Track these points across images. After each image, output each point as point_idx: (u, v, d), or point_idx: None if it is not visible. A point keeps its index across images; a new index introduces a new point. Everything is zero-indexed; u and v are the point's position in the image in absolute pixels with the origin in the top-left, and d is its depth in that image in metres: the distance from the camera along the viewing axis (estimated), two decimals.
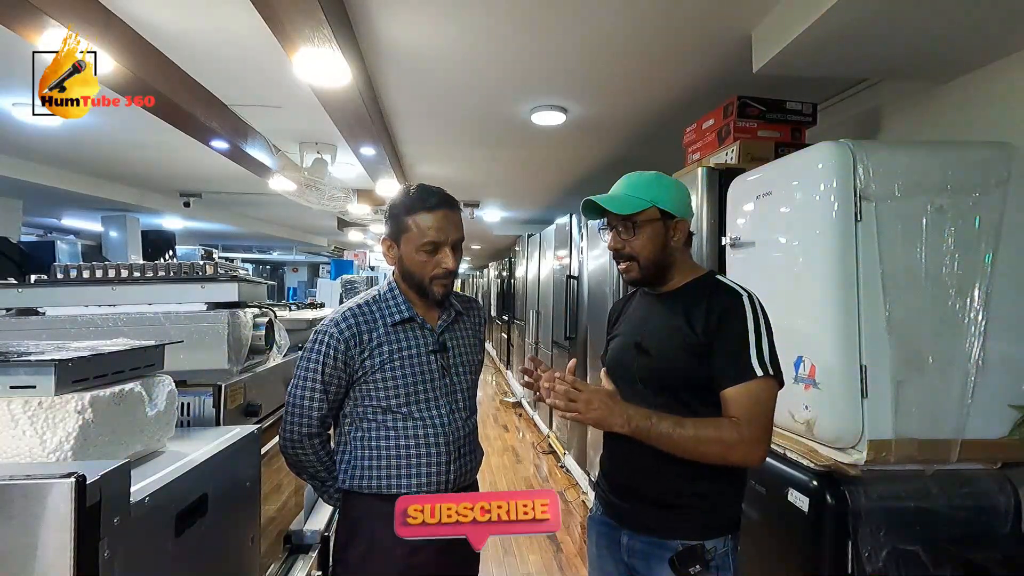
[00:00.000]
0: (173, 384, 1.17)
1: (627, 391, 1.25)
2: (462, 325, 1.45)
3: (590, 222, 1.34)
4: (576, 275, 4.33)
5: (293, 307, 2.76)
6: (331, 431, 1.42)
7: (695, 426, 1.13)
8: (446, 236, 1.32)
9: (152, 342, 1.19)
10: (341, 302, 2.87)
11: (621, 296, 1.48)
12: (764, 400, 1.14)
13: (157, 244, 7.54)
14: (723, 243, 2.16)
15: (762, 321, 1.18)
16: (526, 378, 1.27)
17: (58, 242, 6.94)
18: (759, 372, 1.13)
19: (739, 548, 1.24)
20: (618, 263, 1.31)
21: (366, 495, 1.33)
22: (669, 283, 1.29)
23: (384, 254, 1.40)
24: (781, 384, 1.17)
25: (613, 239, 1.28)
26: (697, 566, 1.17)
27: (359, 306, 1.36)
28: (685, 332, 1.20)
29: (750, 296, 1.20)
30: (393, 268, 1.41)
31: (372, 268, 11.38)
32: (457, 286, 1.42)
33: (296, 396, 1.33)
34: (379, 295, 1.38)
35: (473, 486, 1.45)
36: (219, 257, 9.86)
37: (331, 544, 1.64)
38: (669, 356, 1.22)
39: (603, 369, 1.41)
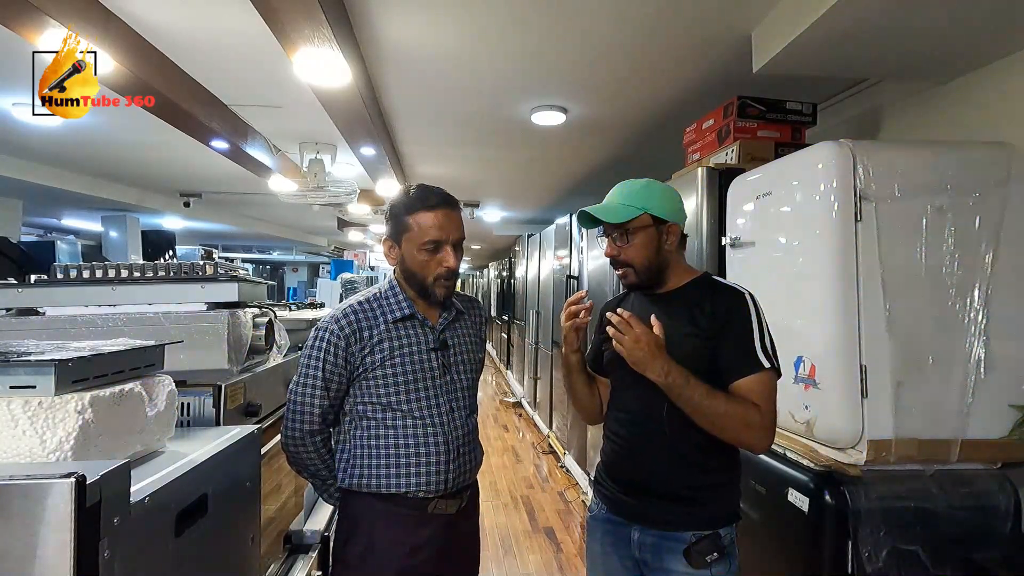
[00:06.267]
0: (173, 384, 1.17)
1: (634, 388, 1.29)
2: (463, 324, 1.45)
3: (586, 229, 1.38)
4: (576, 275, 4.33)
5: (293, 307, 2.76)
6: (332, 429, 1.42)
7: (726, 401, 1.18)
8: (447, 235, 1.32)
9: (152, 342, 1.19)
10: (341, 301, 2.87)
11: (612, 297, 1.50)
12: (771, 390, 1.21)
13: (157, 244, 7.54)
14: (723, 243, 2.16)
15: (763, 317, 1.24)
16: (572, 308, 1.33)
17: (58, 242, 6.95)
18: (766, 364, 1.20)
19: (739, 548, 1.27)
20: (615, 269, 1.34)
21: (365, 494, 1.33)
22: (666, 285, 1.33)
23: (385, 255, 1.40)
24: (779, 375, 1.24)
25: (609, 247, 1.32)
26: (715, 554, 1.22)
27: (360, 303, 1.36)
28: (692, 329, 1.25)
29: (751, 294, 1.27)
30: (394, 268, 1.41)
31: (372, 268, 11.38)
32: (457, 286, 1.43)
33: (297, 393, 1.34)
34: (380, 292, 1.38)
35: (473, 486, 1.45)
36: (219, 257, 9.85)
37: (331, 544, 1.64)
38: (681, 352, 1.25)
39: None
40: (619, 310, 1.22)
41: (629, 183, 1.33)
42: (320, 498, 1.50)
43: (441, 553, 1.33)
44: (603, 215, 1.28)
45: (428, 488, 1.32)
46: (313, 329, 1.36)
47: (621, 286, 1.40)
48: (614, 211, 1.28)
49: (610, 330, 1.21)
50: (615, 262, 1.32)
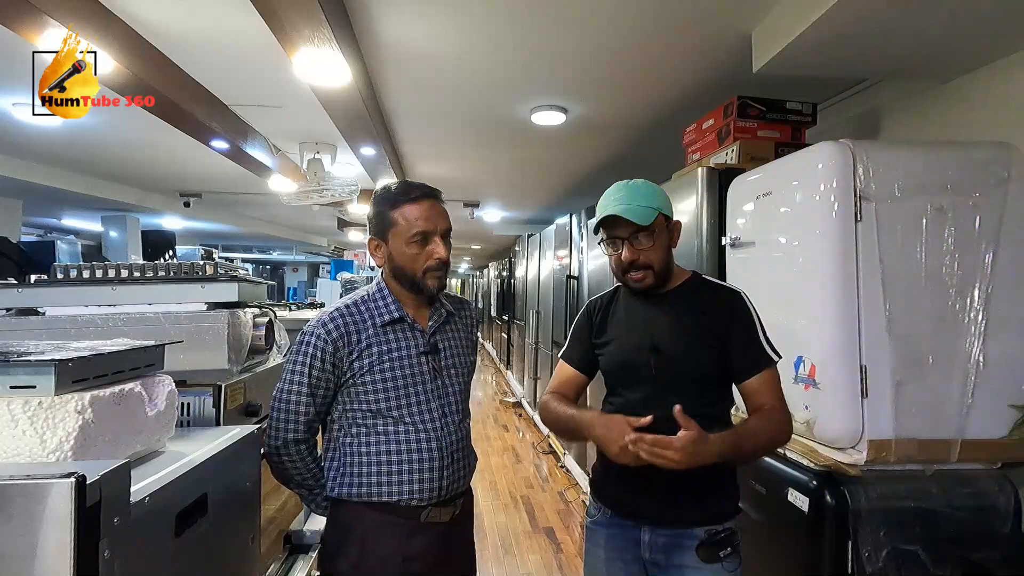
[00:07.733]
0: (173, 384, 1.17)
1: (639, 388, 1.30)
2: (454, 326, 1.41)
3: (593, 234, 1.35)
4: (576, 275, 4.33)
5: (293, 307, 2.76)
6: (318, 437, 1.38)
7: (766, 433, 1.22)
8: (435, 225, 1.29)
9: (152, 342, 1.19)
10: None
11: (598, 296, 1.47)
12: (779, 382, 1.27)
13: (157, 244, 7.54)
14: (723, 243, 2.16)
15: (758, 311, 1.29)
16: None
17: (58, 242, 6.94)
18: (775, 357, 1.26)
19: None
20: (629, 273, 1.29)
21: (356, 503, 1.28)
22: (667, 284, 1.33)
23: (372, 255, 1.35)
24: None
25: (628, 251, 1.27)
26: (728, 548, 1.24)
27: (347, 306, 1.32)
28: (698, 330, 1.27)
29: (744, 292, 1.31)
30: (382, 269, 1.37)
31: (372, 268, 11.39)
32: (456, 287, 1.42)
33: (282, 400, 1.29)
34: (368, 295, 1.34)
35: (467, 494, 1.41)
36: (219, 257, 9.86)
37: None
38: (688, 353, 1.27)
39: (564, 365, 1.43)
40: (644, 438, 1.10)
41: (635, 184, 1.29)
42: (307, 508, 1.46)
43: (435, 563, 1.29)
44: (634, 217, 1.23)
45: (421, 496, 1.28)
46: (299, 333, 1.32)
47: (616, 284, 1.40)
48: (641, 213, 1.24)
49: (649, 459, 1.09)
50: (633, 266, 1.27)
